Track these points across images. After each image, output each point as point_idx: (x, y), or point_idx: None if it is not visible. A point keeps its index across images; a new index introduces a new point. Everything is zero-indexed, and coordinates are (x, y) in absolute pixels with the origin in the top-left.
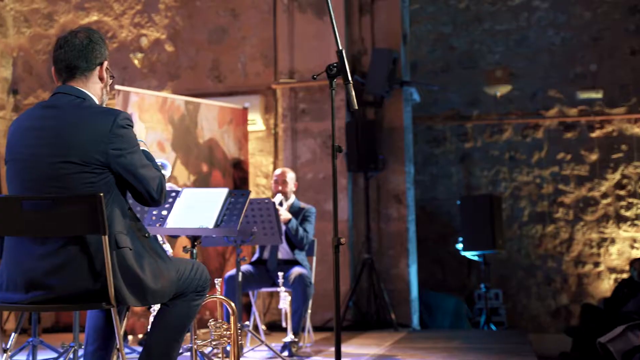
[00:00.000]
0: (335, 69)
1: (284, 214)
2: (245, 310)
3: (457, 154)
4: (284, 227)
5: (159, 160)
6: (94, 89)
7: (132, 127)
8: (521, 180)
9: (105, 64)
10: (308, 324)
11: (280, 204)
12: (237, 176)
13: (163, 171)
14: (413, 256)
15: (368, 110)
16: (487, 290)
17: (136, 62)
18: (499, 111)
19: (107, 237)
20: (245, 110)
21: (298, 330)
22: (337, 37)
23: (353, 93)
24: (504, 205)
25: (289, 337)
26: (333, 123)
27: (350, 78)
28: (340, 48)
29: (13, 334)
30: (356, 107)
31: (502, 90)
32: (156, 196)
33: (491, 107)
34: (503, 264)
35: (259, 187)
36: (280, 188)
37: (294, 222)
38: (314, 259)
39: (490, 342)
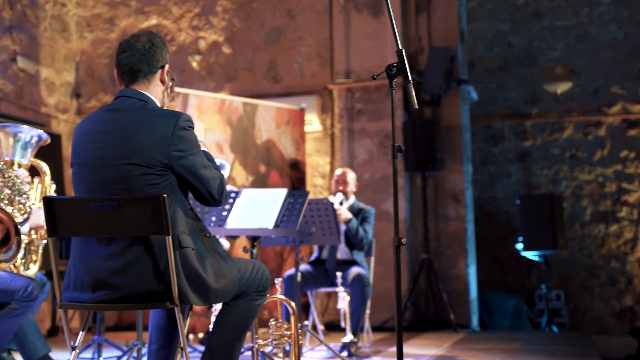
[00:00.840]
0: (395, 68)
1: (345, 213)
2: (304, 310)
3: (516, 153)
4: (343, 227)
5: (217, 161)
6: (155, 91)
7: (193, 128)
8: (583, 179)
9: (167, 67)
10: (367, 324)
11: (341, 203)
12: (294, 176)
13: (222, 171)
14: (472, 256)
15: (425, 110)
16: (548, 291)
17: (194, 64)
18: (559, 109)
19: (170, 237)
20: (302, 111)
21: (357, 330)
22: (397, 37)
23: (413, 93)
24: (565, 205)
25: (348, 337)
26: (393, 123)
27: (410, 78)
28: (400, 48)
29: (81, 332)
30: (416, 107)
31: (562, 87)
32: (217, 196)
33: (551, 104)
34: (564, 264)
35: (316, 187)
36: (340, 188)
37: (354, 222)
38: (372, 259)
39: (552, 344)
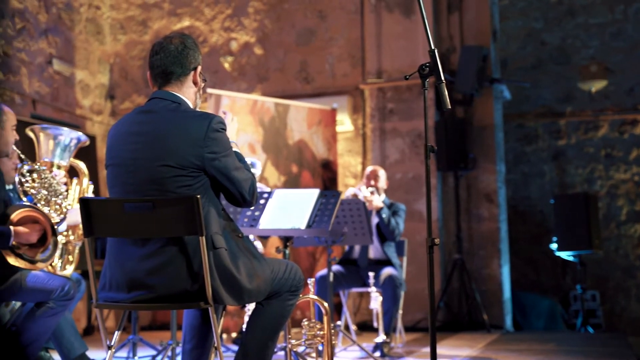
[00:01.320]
0: (427, 68)
1: (376, 201)
2: (336, 310)
3: (549, 152)
4: (375, 221)
5: (248, 160)
6: (188, 93)
7: (225, 130)
8: (618, 178)
9: (199, 68)
10: (399, 325)
11: (372, 193)
12: (326, 176)
13: (253, 170)
14: (505, 256)
15: (457, 109)
16: (583, 291)
17: (226, 65)
18: (593, 107)
19: (204, 238)
20: (333, 111)
21: (389, 330)
22: (430, 37)
23: (446, 92)
24: (600, 204)
25: (381, 337)
26: (426, 123)
27: (442, 77)
28: (433, 48)
29: (116, 331)
30: (449, 107)
31: (597, 85)
32: (248, 197)
33: (586, 103)
34: (600, 264)
35: (347, 187)
36: (372, 183)
37: (386, 211)
38: (405, 259)
39: (588, 345)
